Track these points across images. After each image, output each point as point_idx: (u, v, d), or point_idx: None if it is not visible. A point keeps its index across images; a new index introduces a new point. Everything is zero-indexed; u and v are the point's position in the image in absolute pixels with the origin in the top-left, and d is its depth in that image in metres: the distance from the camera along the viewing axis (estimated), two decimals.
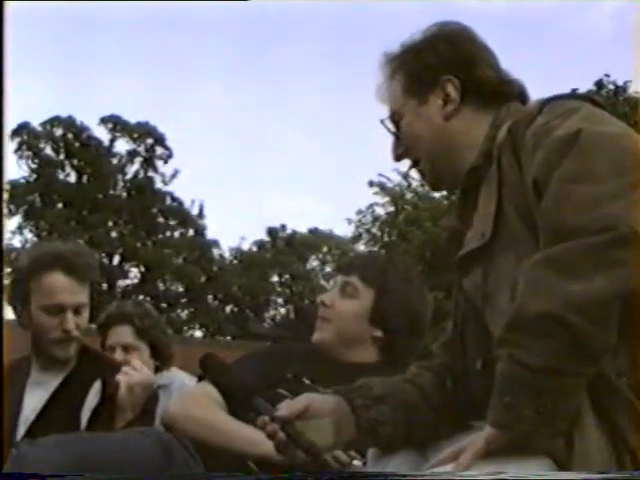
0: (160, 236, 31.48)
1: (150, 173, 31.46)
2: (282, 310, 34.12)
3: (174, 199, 31.77)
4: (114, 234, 29.83)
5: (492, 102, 1.54)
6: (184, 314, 31.85)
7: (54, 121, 29.82)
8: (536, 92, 1.57)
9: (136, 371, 2.30)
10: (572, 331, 1.13)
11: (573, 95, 1.44)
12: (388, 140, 1.63)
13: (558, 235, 1.20)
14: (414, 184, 22.56)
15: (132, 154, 31.30)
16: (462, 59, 1.55)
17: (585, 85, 17.28)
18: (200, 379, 2.11)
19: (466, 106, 1.55)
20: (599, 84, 17.87)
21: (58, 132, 30.02)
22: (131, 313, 3.03)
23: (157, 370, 3.04)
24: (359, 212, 23.69)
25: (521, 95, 1.58)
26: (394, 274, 2.11)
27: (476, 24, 1.60)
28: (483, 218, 1.41)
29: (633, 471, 1.21)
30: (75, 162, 30.29)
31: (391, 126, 1.62)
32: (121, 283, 30.10)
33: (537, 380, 1.15)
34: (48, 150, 30.05)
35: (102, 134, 30.74)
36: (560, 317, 1.13)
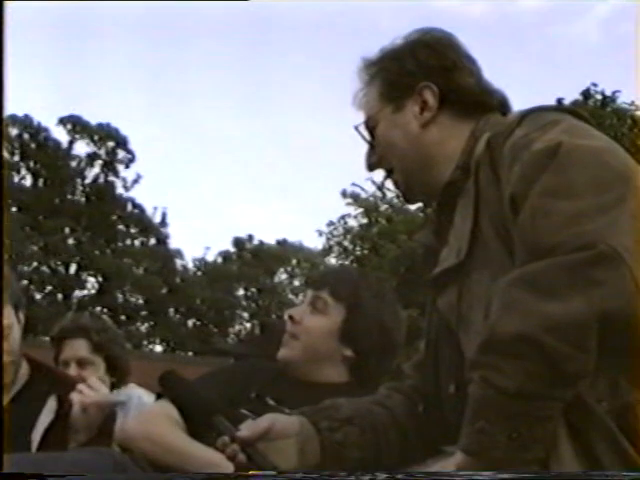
0: (120, 244, 31.28)
1: (111, 177, 31.30)
2: (248, 325, 34.02)
3: (135, 205, 31.62)
4: (71, 241, 29.58)
5: (471, 112, 1.55)
6: (144, 328, 31.62)
7: (9, 120, 29.55)
8: (520, 101, 1.59)
9: (92, 389, 2.26)
10: (548, 353, 1.13)
11: (555, 107, 1.45)
12: (363, 148, 1.64)
13: (535, 252, 1.20)
14: (389, 195, 22.67)
15: (92, 157, 31.10)
16: (442, 66, 1.56)
17: (571, 95, 17.50)
18: (159, 397, 2.09)
19: (444, 115, 1.55)
20: (586, 94, 18.06)
21: (14, 132, 29.74)
22: (87, 326, 3.00)
23: (113, 387, 3.01)
24: (330, 223, 23.75)
25: (502, 106, 1.58)
26: (366, 290, 2.11)
27: (459, 31, 1.62)
28: (459, 235, 1.41)
29: (633, 471, 1.20)
30: (31, 164, 30.03)
31: (365, 133, 1.62)
32: (77, 293, 29.85)
33: (511, 404, 1.15)
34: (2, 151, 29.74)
35: (61, 135, 30.57)
36: (535, 338, 1.13)
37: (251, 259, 34.65)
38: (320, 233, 24.00)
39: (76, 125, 30.66)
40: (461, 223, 1.42)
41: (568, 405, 1.18)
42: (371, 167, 1.63)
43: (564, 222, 1.19)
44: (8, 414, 2.17)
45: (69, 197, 30.32)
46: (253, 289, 34.69)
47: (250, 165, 47.63)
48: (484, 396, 1.18)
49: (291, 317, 2.12)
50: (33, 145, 29.97)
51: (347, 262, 21.14)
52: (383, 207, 22.83)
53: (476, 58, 1.61)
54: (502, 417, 1.16)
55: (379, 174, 1.65)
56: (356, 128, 1.63)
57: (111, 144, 31.06)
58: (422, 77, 1.55)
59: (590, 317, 1.13)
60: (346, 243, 23.53)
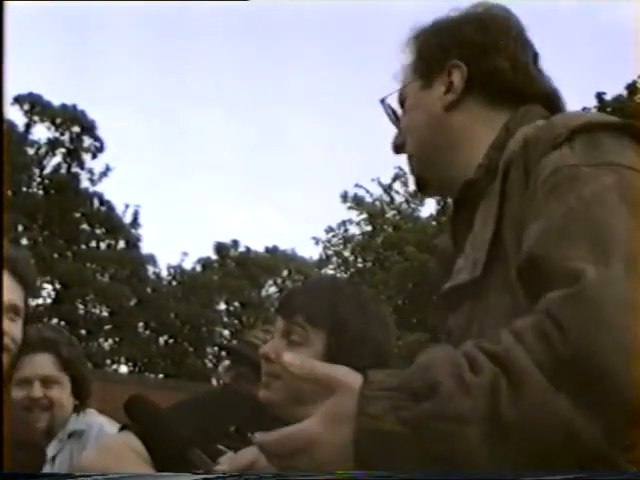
0: (83, 247, 31.30)
1: (74, 168, 31.32)
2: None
3: (103, 202, 31.65)
4: (24, 241, 29.56)
5: (505, 100, 1.56)
6: (107, 344, 31.61)
7: None
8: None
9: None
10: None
11: (614, 125, 1.35)
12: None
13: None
14: (397, 199, 22.72)
15: (53, 144, 31.15)
16: (481, 45, 1.57)
17: (615, 89, 17.55)
18: (123, 428, 2.10)
19: (471, 99, 1.57)
20: (631, 88, 18.13)
21: None
22: (55, 339, 3.00)
23: (75, 410, 3.02)
24: (329, 230, 23.83)
25: (549, 98, 1.59)
26: (345, 305, 2.11)
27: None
28: (477, 244, 1.40)
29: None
30: None
31: (392, 108, 1.66)
32: (30, 302, 29.78)
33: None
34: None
35: (16, 116, 30.60)
36: None
37: (235, 268, 34.69)
38: (316, 241, 24.09)
39: (35, 105, 30.71)
40: (481, 230, 1.41)
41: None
42: (396, 149, 1.66)
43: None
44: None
45: (24, 189, 30.33)
46: (236, 303, 34.71)
47: (237, 162, 47.75)
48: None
49: (266, 356, 2.11)
50: None
51: (346, 275, 21.16)
52: (390, 213, 22.89)
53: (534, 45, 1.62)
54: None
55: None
56: (382, 101, 1.67)
57: (76, 129, 31.11)
58: (456, 54, 1.58)
59: None
60: (346, 253, 23.59)
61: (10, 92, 30.16)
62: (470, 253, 1.43)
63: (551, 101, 1.59)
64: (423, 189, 1.68)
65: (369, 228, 22.93)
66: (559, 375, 1.07)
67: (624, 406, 1.06)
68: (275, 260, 35.46)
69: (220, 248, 35.29)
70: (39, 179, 31.14)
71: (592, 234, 1.17)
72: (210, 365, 32.41)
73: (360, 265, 22.67)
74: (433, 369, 1.12)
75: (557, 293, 1.11)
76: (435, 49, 1.61)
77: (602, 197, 1.22)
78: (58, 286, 30.21)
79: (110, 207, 31.72)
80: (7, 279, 2.42)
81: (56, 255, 30.08)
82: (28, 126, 30.94)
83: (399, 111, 1.67)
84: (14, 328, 2.41)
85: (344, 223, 23.65)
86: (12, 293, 2.43)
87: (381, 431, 1.11)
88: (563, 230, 1.20)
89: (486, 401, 1.07)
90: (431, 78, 1.60)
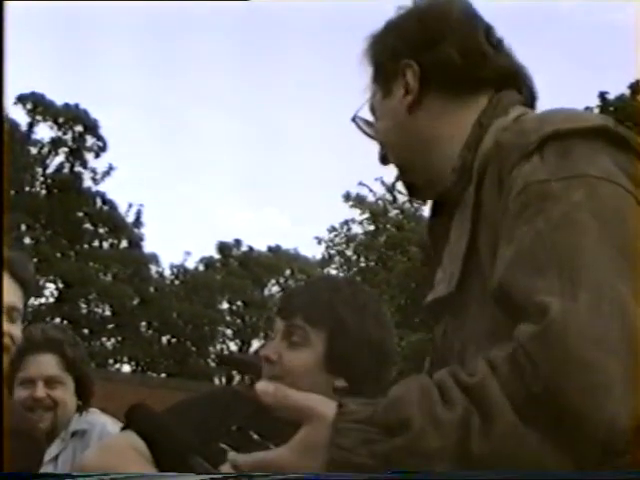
0: (85, 246, 31.33)
1: (77, 168, 31.35)
2: (231, 345, 34.04)
3: (106, 202, 31.67)
4: (27, 240, 29.60)
5: (463, 90, 1.51)
6: (110, 344, 31.64)
7: None
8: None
9: None
10: None
11: (585, 130, 1.31)
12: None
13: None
14: (400, 199, 22.72)
15: (56, 143, 31.18)
16: (428, 39, 1.53)
17: (618, 89, 17.52)
18: (125, 427, 2.10)
19: (429, 96, 1.52)
20: (634, 87, 18.10)
21: None
22: (60, 339, 3.01)
23: (78, 410, 3.02)
24: (331, 229, 23.84)
25: (514, 78, 1.53)
26: (345, 306, 2.11)
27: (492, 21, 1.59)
28: (453, 257, 1.39)
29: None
30: None
31: (368, 121, 1.63)
32: (33, 301, 29.83)
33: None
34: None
35: (19, 116, 30.62)
36: None
37: (238, 268, 34.71)
38: (319, 240, 24.08)
39: (38, 104, 30.73)
40: (456, 242, 1.39)
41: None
42: (382, 160, 1.64)
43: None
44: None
45: (27, 189, 30.36)
46: (239, 302, 34.72)
47: (239, 161, 47.74)
48: None
49: (267, 358, 2.11)
50: None
51: (349, 274, 21.16)
52: (393, 212, 22.89)
53: (491, 25, 1.55)
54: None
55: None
56: (353, 119, 1.64)
57: (79, 129, 31.13)
58: (406, 54, 1.54)
59: None
60: (349, 252, 23.60)
61: (13, 91, 30.23)
62: (447, 265, 1.42)
63: (516, 80, 1.53)
64: (414, 195, 1.65)
65: (372, 227, 22.94)
66: (530, 410, 1.06)
67: (593, 443, 1.06)
68: (278, 260, 35.46)
69: (223, 247, 35.29)
70: (42, 178, 31.16)
71: (560, 261, 1.15)
72: (213, 365, 32.44)
73: (363, 264, 22.68)
74: (406, 403, 1.12)
75: (527, 327, 1.10)
76: (386, 54, 1.57)
77: (571, 218, 1.19)
78: (61, 285, 30.24)
79: (113, 206, 31.74)
80: (6, 281, 2.43)
81: (59, 254, 30.11)
82: (31, 125, 30.98)
83: (364, 126, 1.64)
84: (13, 329, 2.42)
85: (347, 222, 23.66)
86: (11, 294, 2.44)
87: (352, 464, 1.11)
88: (532, 258, 1.18)
89: (457, 437, 1.08)
90: (389, 84, 1.56)
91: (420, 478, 1.15)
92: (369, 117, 1.65)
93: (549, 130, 1.29)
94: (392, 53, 1.55)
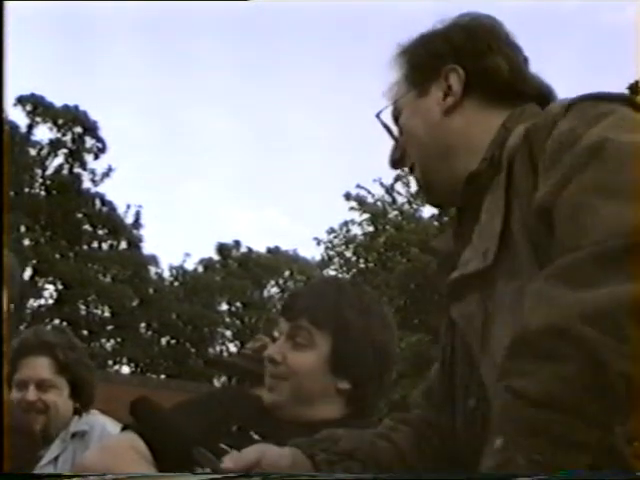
0: (85, 247, 31.31)
1: (76, 169, 31.33)
2: (231, 346, 34.02)
3: (105, 203, 31.66)
4: (27, 241, 29.60)
5: (502, 100, 1.58)
6: (109, 345, 31.63)
7: None
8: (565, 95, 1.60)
9: None
10: (587, 347, 1.08)
11: (606, 95, 1.42)
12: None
13: (571, 250, 1.18)
14: (400, 200, 22.72)
15: (55, 144, 31.16)
16: (475, 49, 1.60)
17: (618, 89, 17.56)
18: (125, 428, 2.10)
19: (470, 101, 1.59)
20: (632, 88, 18.12)
21: None
22: (52, 342, 3.00)
23: (76, 412, 3.02)
24: (331, 231, 23.74)
25: (543, 97, 1.60)
26: (349, 307, 2.11)
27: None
28: (486, 235, 1.42)
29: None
30: None
31: (388, 123, 1.66)
32: (32, 303, 29.83)
33: (538, 417, 1.09)
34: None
35: (18, 117, 30.61)
36: (572, 330, 1.09)
37: (237, 269, 34.71)
38: (318, 241, 24.04)
39: (37, 106, 30.72)
40: (489, 222, 1.42)
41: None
42: (394, 164, 1.68)
43: (604, 221, 1.17)
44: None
45: (26, 190, 30.34)
46: (238, 303, 34.72)
47: (239, 162, 47.76)
48: (507, 407, 1.13)
49: (272, 359, 2.11)
50: None
51: (348, 275, 21.16)
52: (392, 214, 22.87)
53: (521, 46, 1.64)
54: (524, 432, 1.10)
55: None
56: (377, 116, 1.67)
57: (78, 130, 31.11)
58: (451, 60, 1.60)
59: (630, 304, 1.09)
60: (348, 254, 23.56)
61: (12, 93, 30.23)
62: (478, 244, 1.43)
63: (546, 99, 1.59)
64: (429, 197, 1.69)
65: (371, 229, 22.89)
66: None
67: None
68: (277, 261, 35.46)
69: (222, 249, 35.29)
70: (41, 180, 31.14)
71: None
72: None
73: (362, 266, 22.64)
74: None
75: None
76: (428, 57, 1.62)
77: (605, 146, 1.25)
78: (60, 286, 30.23)
79: (112, 208, 31.72)
80: None
81: (58, 256, 30.09)
82: (30, 127, 30.95)
83: (393, 127, 1.68)
84: None
85: (346, 224, 23.60)
86: None
87: None
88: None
89: None
90: (427, 85, 1.61)
91: (421, 478, 1.16)
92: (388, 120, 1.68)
93: (574, 98, 1.38)
94: (435, 55, 1.61)
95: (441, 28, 1.65)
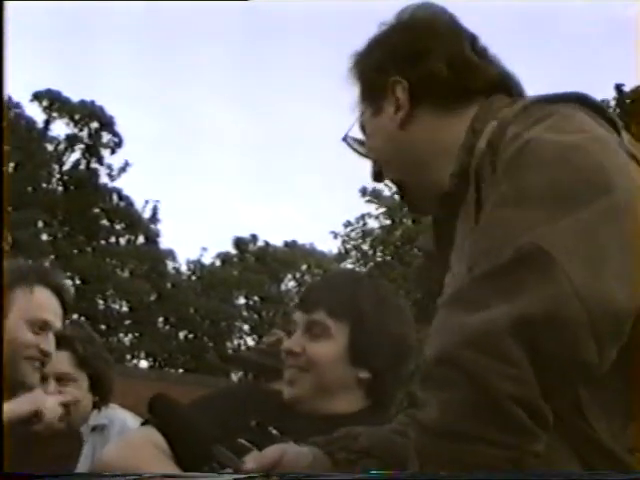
0: (102, 242, 31.42)
1: (93, 164, 31.43)
2: (248, 340, 34.09)
3: (122, 198, 31.75)
4: (45, 237, 29.73)
5: (457, 100, 1.51)
6: (127, 339, 31.75)
7: None
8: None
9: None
10: (467, 369, 1.08)
11: (552, 97, 1.37)
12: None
13: (472, 268, 1.18)
14: None
15: (72, 140, 31.26)
16: (412, 53, 1.53)
17: (607, 92, 17.59)
18: (145, 423, 2.11)
19: (421, 109, 1.52)
20: (619, 88, 18.10)
21: None
22: (72, 336, 3.01)
23: (95, 407, 3.03)
24: (347, 224, 23.82)
25: (503, 83, 1.53)
26: (366, 299, 2.12)
27: (480, 25, 1.60)
28: (462, 259, 1.38)
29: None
30: None
31: (358, 140, 1.63)
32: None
33: (441, 447, 1.10)
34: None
35: (35, 113, 30.73)
36: (453, 355, 1.09)
37: (254, 263, 34.74)
38: (335, 235, 24.07)
39: (54, 101, 30.82)
40: (461, 244, 1.40)
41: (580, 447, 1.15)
42: (375, 177, 1.64)
43: (513, 232, 1.16)
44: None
45: (44, 185, 30.47)
46: (255, 297, 34.77)
47: (256, 156, 47.80)
48: (415, 440, 1.15)
49: (291, 351, 2.11)
50: (2, 123, 30.14)
51: (365, 269, 21.15)
52: None
53: (477, 35, 1.56)
54: (434, 465, 1.11)
55: None
56: (344, 139, 1.64)
57: (95, 125, 31.20)
58: (394, 71, 1.53)
59: (507, 324, 1.09)
60: (365, 247, 23.57)
61: (30, 89, 30.36)
62: (456, 268, 1.42)
63: (505, 86, 1.53)
64: (414, 210, 1.67)
65: (388, 222, 22.89)
66: None
67: None
68: (294, 254, 35.46)
69: (239, 243, 35.32)
70: (58, 175, 31.26)
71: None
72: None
73: (379, 259, 22.64)
74: None
75: None
76: (372, 72, 1.57)
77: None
78: (78, 282, 30.34)
79: (129, 202, 31.81)
80: (41, 293, 2.55)
81: (76, 251, 30.22)
82: (47, 122, 31.07)
83: (354, 144, 1.64)
84: (42, 341, 2.53)
85: (363, 217, 23.64)
86: (44, 308, 2.55)
87: None
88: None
89: None
90: (378, 102, 1.56)
91: (422, 478, 1.16)
92: (359, 135, 1.64)
93: (526, 100, 1.37)
94: (379, 70, 1.55)
95: (382, 33, 1.59)
